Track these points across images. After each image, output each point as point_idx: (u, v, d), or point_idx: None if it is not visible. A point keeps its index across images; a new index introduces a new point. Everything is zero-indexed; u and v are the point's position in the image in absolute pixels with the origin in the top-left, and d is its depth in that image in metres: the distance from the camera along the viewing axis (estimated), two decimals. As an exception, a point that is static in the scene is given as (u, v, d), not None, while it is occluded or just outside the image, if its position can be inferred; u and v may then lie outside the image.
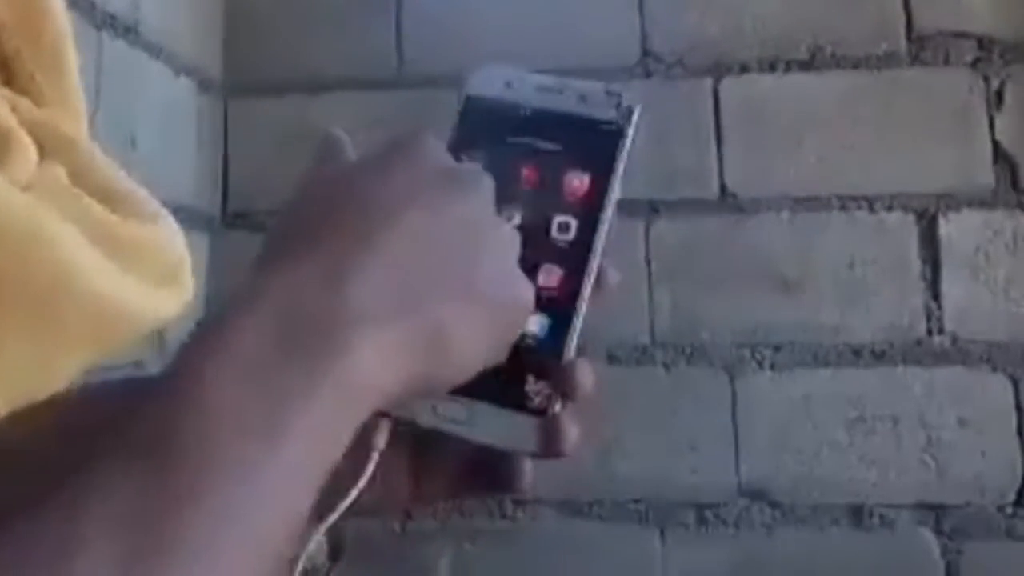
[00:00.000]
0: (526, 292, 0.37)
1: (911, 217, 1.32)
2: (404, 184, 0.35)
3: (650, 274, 1.34)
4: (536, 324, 0.38)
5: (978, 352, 1.28)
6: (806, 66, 1.36)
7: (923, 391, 1.29)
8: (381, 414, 0.36)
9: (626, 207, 1.31)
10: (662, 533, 1.30)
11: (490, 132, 0.40)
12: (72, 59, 0.41)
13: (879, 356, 1.30)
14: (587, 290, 0.39)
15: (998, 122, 1.31)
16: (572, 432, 0.37)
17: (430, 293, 0.33)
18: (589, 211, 0.39)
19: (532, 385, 0.37)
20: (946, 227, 1.31)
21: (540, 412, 0.37)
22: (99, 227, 0.36)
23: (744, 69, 1.37)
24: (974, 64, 1.33)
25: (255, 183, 1.44)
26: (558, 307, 0.38)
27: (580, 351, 0.38)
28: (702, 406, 1.32)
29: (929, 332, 1.29)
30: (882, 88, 1.34)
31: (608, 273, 0.39)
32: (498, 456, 0.39)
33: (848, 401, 1.29)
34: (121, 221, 0.38)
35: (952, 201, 1.31)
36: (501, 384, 0.36)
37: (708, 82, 1.37)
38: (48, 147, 0.38)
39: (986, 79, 1.32)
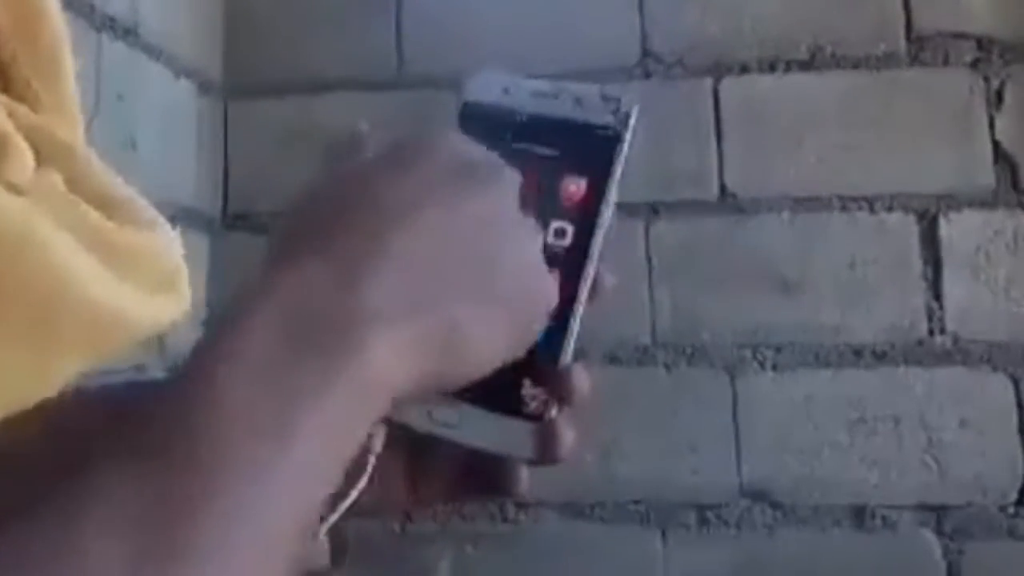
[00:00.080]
0: (546, 289, 0.37)
1: (912, 217, 1.32)
2: (420, 181, 0.35)
3: (650, 275, 1.34)
4: None
5: (979, 352, 1.28)
6: (806, 66, 1.36)
7: (924, 391, 1.28)
8: None
9: (626, 208, 1.30)
10: (663, 534, 1.30)
11: (487, 138, 0.40)
12: (69, 65, 0.41)
13: (880, 356, 1.30)
14: (584, 295, 0.38)
15: (998, 122, 1.31)
16: (568, 437, 0.37)
17: (445, 291, 0.33)
18: (586, 216, 0.39)
19: (528, 390, 0.37)
20: (947, 227, 1.31)
21: (536, 417, 0.37)
22: (95, 234, 0.36)
23: (744, 69, 1.37)
24: (974, 64, 1.32)
25: (255, 184, 1.44)
26: (555, 312, 0.38)
27: (577, 356, 0.38)
28: (703, 407, 1.32)
29: (930, 332, 1.29)
30: (882, 88, 1.34)
31: (604, 278, 0.39)
32: (494, 460, 0.39)
33: (849, 402, 1.29)
34: (117, 228, 0.38)
35: (953, 201, 1.31)
36: (497, 389, 0.36)
37: (708, 82, 1.37)
38: (45, 153, 0.38)
39: (986, 79, 1.32)
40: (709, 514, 1.30)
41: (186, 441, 0.27)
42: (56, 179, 0.37)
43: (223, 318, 0.31)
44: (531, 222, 0.37)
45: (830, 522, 1.28)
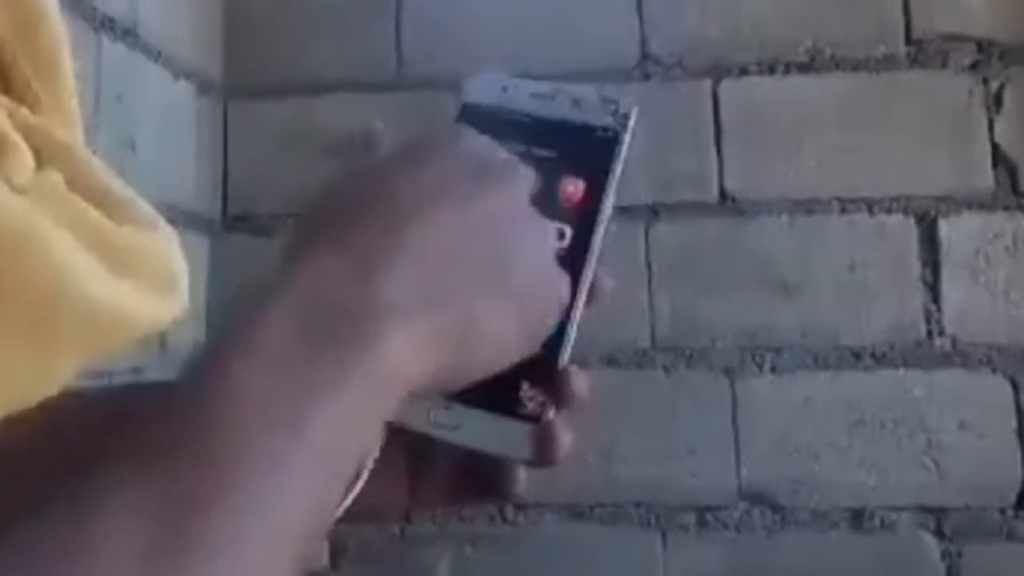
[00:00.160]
0: (560, 286, 0.37)
1: (911, 220, 1.32)
2: (437, 178, 0.35)
3: (650, 277, 1.34)
4: None
5: (978, 354, 1.28)
6: (805, 68, 1.36)
7: (923, 394, 1.28)
8: None
9: (625, 210, 1.30)
10: (663, 536, 1.30)
11: None
12: (68, 66, 0.41)
13: (879, 359, 1.30)
14: (582, 298, 0.38)
15: (997, 125, 1.31)
16: (565, 439, 0.37)
17: (461, 286, 0.33)
18: (584, 218, 0.39)
19: (526, 391, 0.37)
20: (946, 230, 1.31)
21: (534, 419, 0.37)
22: (95, 233, 0.36)
23: (743, 71, 1.37)
24: (973, 67, 1.33)
25: (255, 185, 1.44)
26: None
27: (575, 358, 0.38)
28: (702, 409, 1.32)
29: (929, 335, 1.29)
30: (881, 91, 1.34)
31: (603, 280, 0.39)
32: (491, 462, 0.39)
33: (848, 404, 1.29)
34: (117, 227, 0.38)
35: (952, 204, 1.31)
36: (495, 390, 0.36)
37: (707, 84, 1.37)
38: (45, 154, 0.38)
39: (985, 82, 1.32)
40: (708, 516, 1.30)
41: (200, 435, 0.27)
42: (56, 179, 0.37)
43: (238, 312, 0.31)
44: (545, 220, 0.37)
45: (829, 524, 1.28)
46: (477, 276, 0.34)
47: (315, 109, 1.43)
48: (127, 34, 1.19)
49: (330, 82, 1.44)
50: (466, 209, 0.34)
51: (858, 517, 1.28)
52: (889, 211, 1.32)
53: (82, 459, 0.26)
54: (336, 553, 1.32)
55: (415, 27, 1.44)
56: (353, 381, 0.29)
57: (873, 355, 1.30)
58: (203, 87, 1.40)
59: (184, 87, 1.35)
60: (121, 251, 0.36)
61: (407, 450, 0.40)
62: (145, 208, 0.40)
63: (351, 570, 1.32)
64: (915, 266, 1.31)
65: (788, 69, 1.36)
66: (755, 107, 1.36)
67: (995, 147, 1.31)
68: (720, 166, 1.36)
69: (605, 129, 0.40)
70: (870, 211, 1.32)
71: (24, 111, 0.39)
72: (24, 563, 0.24)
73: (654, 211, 1.35)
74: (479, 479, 0.40)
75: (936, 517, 1.26)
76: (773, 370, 1.31)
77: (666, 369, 1.33)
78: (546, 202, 0.39)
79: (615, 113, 0.40)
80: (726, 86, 1.37)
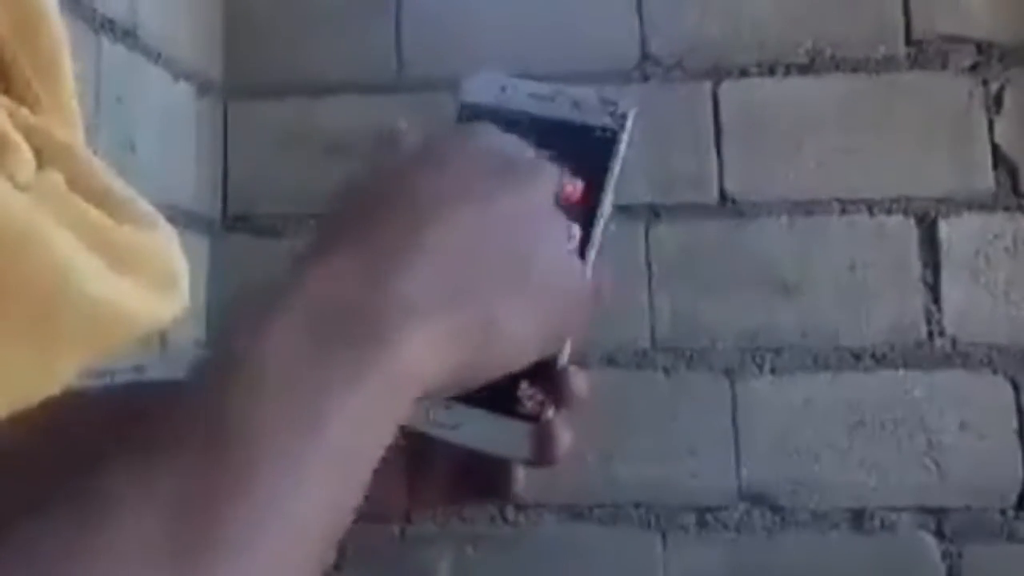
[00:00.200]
0: (582, 285, 0.37)
1: (911, 220, 1.32)
2: (457, 177, 0.35)
3: (650, 278, 1.34)
4: None
5: (979, 355, 1.28)
6: (805, 70, 1.36)
7: (924, 394, 1.28)
8: None
9: (626, 211, 1.30)
10: (663, 537, 1.30)
11: None
12: (68, 66, 0.41)
13: (879, 360, 1.30)
14: None
15: (997, 126, 1.31)
16: (564, 439, 0.37)
17: (481, 285, 0.33)
18: (582, 218, 0.39)
19: (525, 391, 0.37)
20: (946, 230, 1.31)
21: (533, 418, 0.37)
22: (96, 232, 0.36)
23: (743, 72, 1.37)
24: (973, 68, 1.33)
25: (255, 186, 1.44)
26: None
27: (575, 358, 0.38)
28: (702, 410, 1.32)
29: (929, 335, 1.29)
30: (881, 92, 1.34)
31: (603, 281, 0.39)
32: (491, 462, 0.39)
33: (848, 405, 1.29)
34: (118, 226, 0.38)
35: (952, 204, 1.31)
36: (494, 390, 0.36)
37: (707, 85, 1.38)
38: (46, 154, 0.38)
39: (985, 83, 1.32)
40: (708, 517, 1.30)
41: (214, 433, 0.27)
42: (57, 179, 0.37)
43: (251, 309, 0.30)
44: (567, 219, 0.37)
45: (829, 525, 1.28)
46: (497, 275, 0.34)
47: (315, 110, 1.43)
48: (127, 35, 1.19)
49: (330, 83, 1.44)
50: (487, 208, 0.34)
51: (858, 518, 1.28)
52: (889, 212, 1.32)
53: (85, 458, 0.26)
54: (336, 553, 1.32)
55: (415, 27, 1.44)
56: (370, 380, 0.29)
57: (873, 356, 1.30)
58: (203, 88, 1.41)
59: (184, 88, 1.36)
60: (122, 250, 0.36)
61: (407, 450, 0.40)
62: (145, 208, 0.40)
63: (351, 570, 1.32)
64: (915, 267, 1.31)
65: (788, 70, 1.36)
66: (755, 108, 1.36)
67: (995, 148, 1.31)
68: (720, 167, 1.36)
69: (603, 129, 0.40)
70: (870, 212, 1.32)
71: (24, 111, 0.39)
72: (25, 564, 0.24)
73: (654, 212, 1.35)
74: (479, 479, 0.40)
75: (936, 518, 1.26)
76: (773, 371, 1.31)
77: (666, 370, 1.33)
78: None
79: (613, 113, 0.40)
80: (726, 87, 1.37)
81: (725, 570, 1.29)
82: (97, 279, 0.34)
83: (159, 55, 1.27)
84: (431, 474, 0.41)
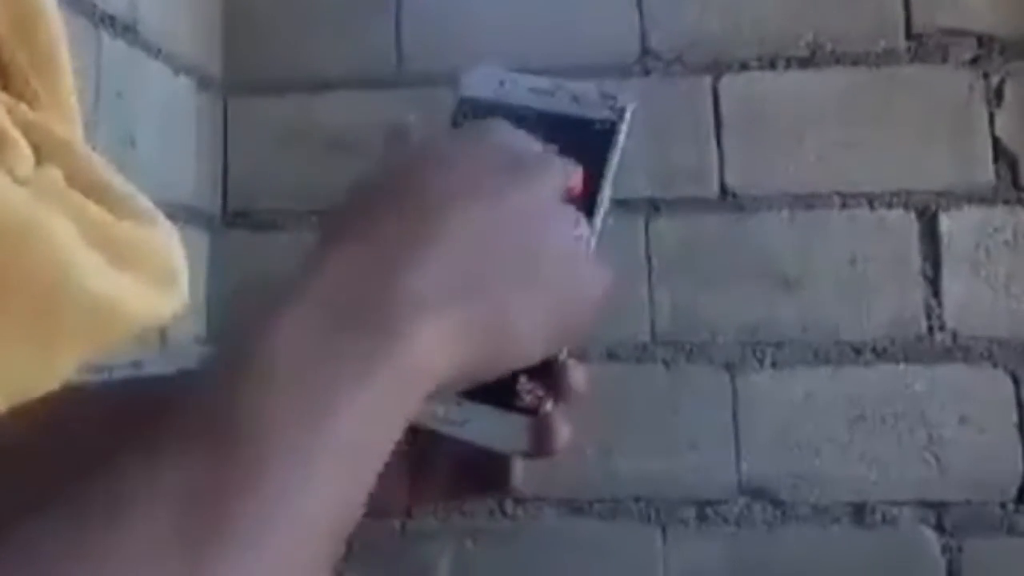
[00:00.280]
0: (594, 280, 0.37)
1: (911, 214, 1.32)
2: (469, 172, 0.35)
3: (650, 272, 1.34)
4: None
5: (979, 349, 1.28)
6: (806, 63, 1.36)
7: (924, 388, 1.28)
8: None
9: (626, 205, 1.30)
10: (663, 531, 1.30)
11: None
12: (66, 63, 0.41)
13: (880, 354, 1.30)
14: None
15: (998, 119, 1.31)
16: (563, 432, 0.37)
17: (491, 280, 0.33)
18: (582, 210, 0.39)
19: (524, 384, 0.37)
20: (946, 224, 1.31)
21: (531, 411, 0.37)
22: (95, 228, 0.36)
23: (743, 66, 1.37)
24: (974, 61, 1.33)
25: (255, 182, 1.44)
26: None
27: (574, 351, 0.38)
28: (703, 404, 1.32)
29: (930, 329, 1.29)
30: (882, 85, 1.34)
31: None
32: (490, 456, 0.39)
33: (849, 399, 1.29)
34: (117, 222, 0.38)
35: (952, 198, 1.31)
36: (493, 383, 0.36)
37: (707, 80, 1.37)
38: (45, 150, 0.38)
39: (986, 76, 1.32)
40: (709, 511, 1.30)
41: (223, 426, 0.27)
42: (56, 175, 0.37)
43: (262, 302, 0.30)
44: (578, 214, 0.37)
45: (830, 519, 1.28)
46: (508, 270, 0.34)
47: (315, 106, 1.43)
48: (127, 31, 1.19)
49: (330, 79, 1.44)
50: (498, 202, 0.34)
51: (859, 512, 1.28)
52: (890, 205, 1.32)
53: (86, 454, 0.26)
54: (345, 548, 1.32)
55: (415, 24, 1.44)
56: (380, 375, 0.29)
57: (874, 350, 1.30)
58: (203, 83, 1.41)
59: (184, 83, 1.36)
60: (121, 246, 0.36)
61: (407, 446, 0.40)
62: (145, 203, 0.41)
63: (352, 566, 1.32)
64: (916, 260, 1.31)
65: (788, 64, 1.36)
66: (755, 102, 1.36)
67: (996, 141, 1.31)
68: (720, 161, 1.36)
69: (602, 122, 0.40)
70: (870, 206, 1.32)
71: (23, 107, 0.39)
72: (26, 563, 0.24)
73: (654, 206, 1.35)
74: (479, 474, 0.40)
75: (937, 512, 1.26)
76: (774, 365, 1.31)
77: (666, 364, 1.33)
78: None
79: (613, 107, 0.40)
80: (726, 81, 1.37)
81: (725, 564, 1.29)
82: (97, 275, 0.34)
83: (159, 50, 1.27)
84: (431, 469, 0.41)
